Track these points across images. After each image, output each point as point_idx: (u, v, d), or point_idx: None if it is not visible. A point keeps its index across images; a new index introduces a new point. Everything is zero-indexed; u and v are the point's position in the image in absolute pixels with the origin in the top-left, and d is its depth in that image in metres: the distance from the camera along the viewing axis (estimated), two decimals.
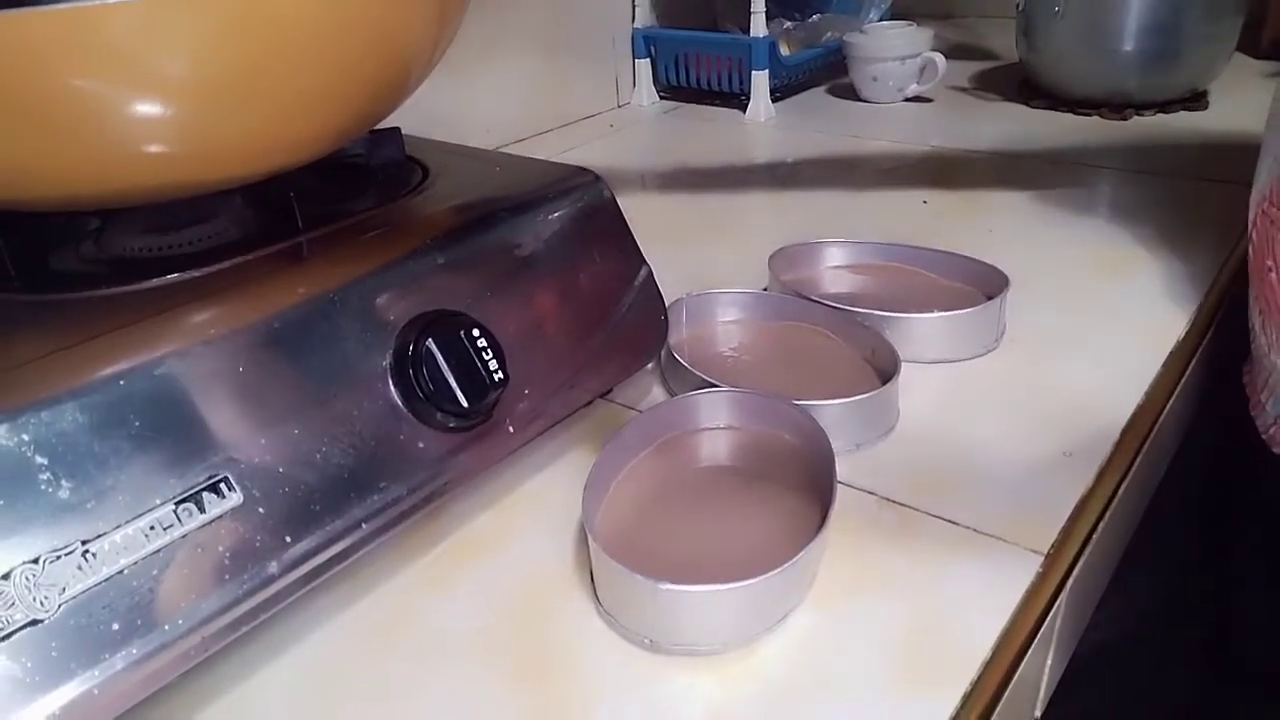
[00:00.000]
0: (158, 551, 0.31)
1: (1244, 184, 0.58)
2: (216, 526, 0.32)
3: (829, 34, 1.15)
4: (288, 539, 0.34)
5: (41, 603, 0.28)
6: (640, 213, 0.53)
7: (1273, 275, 0.51)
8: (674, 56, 1.08)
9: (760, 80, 1.02)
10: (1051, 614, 0.40)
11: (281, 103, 0.37)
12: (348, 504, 0.36)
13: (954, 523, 0.42)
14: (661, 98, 1.13)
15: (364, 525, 0.36)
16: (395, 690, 0.36)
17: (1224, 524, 0.70)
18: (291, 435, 0.35)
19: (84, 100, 0.33)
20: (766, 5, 0.99)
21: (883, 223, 0.74)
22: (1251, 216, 0.54)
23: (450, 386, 0.38)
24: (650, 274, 0.50)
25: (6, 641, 0.28)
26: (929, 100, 1.06)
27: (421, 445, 0.39)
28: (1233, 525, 0.68)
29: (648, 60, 1.10)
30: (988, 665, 0.35)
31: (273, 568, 0.33)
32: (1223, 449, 0.65)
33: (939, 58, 1.02)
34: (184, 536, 0.31)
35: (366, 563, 0.39)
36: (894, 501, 0.43)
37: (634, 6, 1.07)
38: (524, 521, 0.44)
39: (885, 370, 0.50)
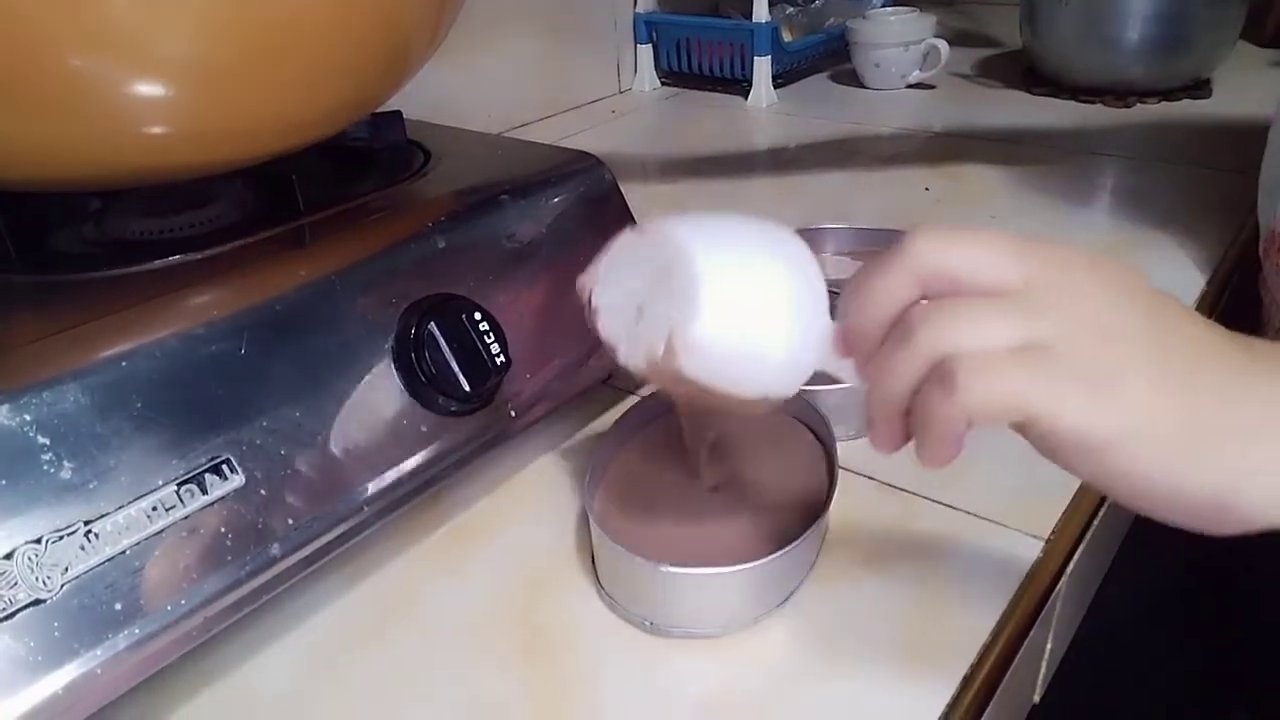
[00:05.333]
0: (160, 532, 0.31)
1: (1247, 171, 0.58)
2: (219, 508, 0.32)
3: (831, 20, 1.15)
4: (290, 521, 0.34)
5: (44, 582, 0.28)
6: (642, 198, 0.53)
7: None
8: (676, 42, 1.08)
9: (762, 66, 1.02)
10: (1051, 598, 0.40)
11: (282, 84, 0.37)
12: (349, 487, 0.36)
13: (954, 508, 0.42)
14: (663, 83, 1.12)
15: (366, 508, 0.37)
16: (397, 671, 0.36)
17: None
18: (293, 418, 0.35)
19: (84, 81, 0.33)
20: None
21: (885, 209, 0.73)
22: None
23: (452, 370, 0.38)
24: None
25: (9, 621, 0.28)
26: (932, 87, 1.05)
27: (423, 428, 0.39)
28: None
29: (649, 46, 1.09)
30: (987, 649, 0.35)
31: (275, 549, 0.34)
32: None
33: (942, 44, 1.01)
34: (186, 517, 0.31)
35: (368, 545, 0.39)
36: (895, 487, 0.43)
37: None
38: (525, 504, 0.44)
39: None
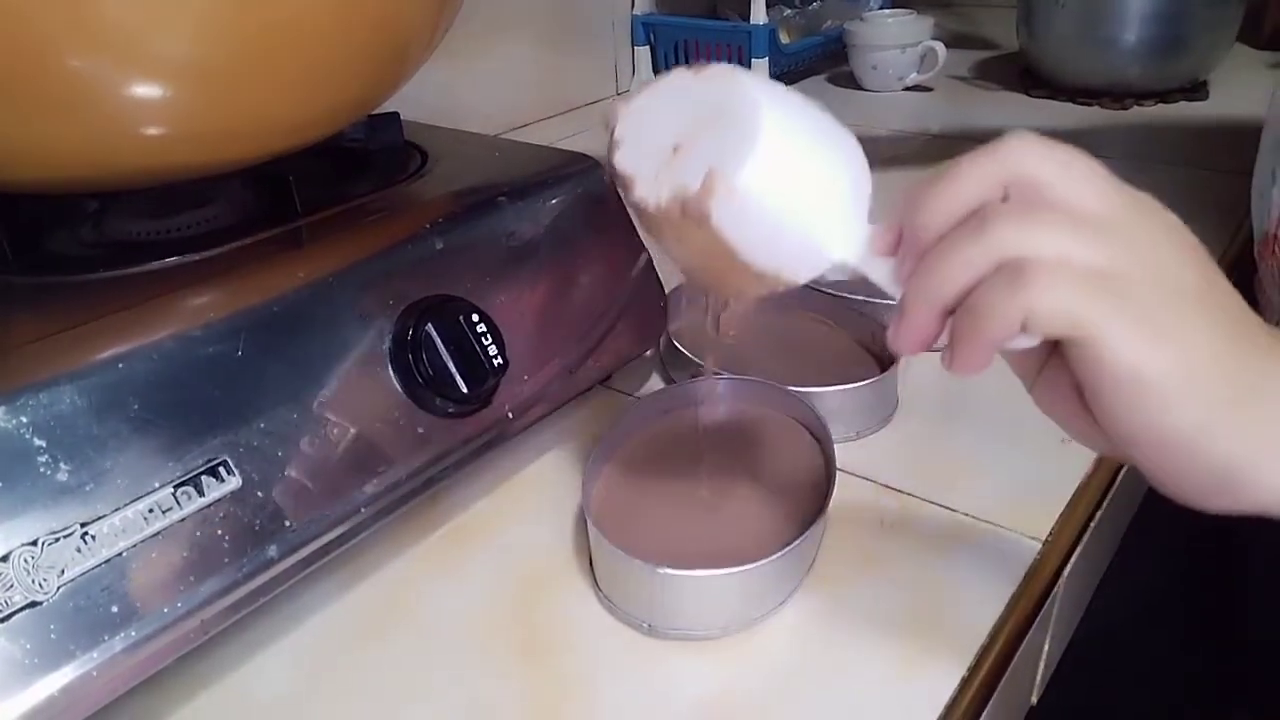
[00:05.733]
0: (157, 534, 0.31)
1: (1244, 173, 0.58)
2: (215, 510, 0.32)
3: (829, 22, 1.15)
4: (287, 523, 0.34)
5: (40, 585, 0.28)
6: None
7: None
8: (674, 43, 1.08)
9: (760, 68, 1.02)
10: (1049, 600, 0.40)
11: (280, 85, 0.37)
12: (346, 488, 0.36)
13: (952, 509, 0.42)
14: None
15: (363, 510, 0.36)
16: (395, 673, 0.36)
17: (1218, 518, 0.70)
18: (290, 419, 0.35)
19: (82, 81, 0.32)
20: None
21: (882, 210, 0.73)
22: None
23: (450, 371, 0.38)
24: (650, 261, 0.50)
25: (5, 623, 0.28)
26: (929, 89, 1.05)
27: (421, 430, 0.39)
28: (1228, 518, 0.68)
29: (647, 47, 1.09)
30: (985, 650, 0.35)
31: (272, 551, 0.33)
32: None
33: (939, 46, 1.01)
34: (183, 520, 0.31)
35: (366, 547, 0.39)
36: (892, 488, 0.43)
37: None
38: (523, 506, 0.44)
39: (884, 358, 0.50)
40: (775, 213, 0.27)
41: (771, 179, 0.27)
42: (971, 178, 0.26)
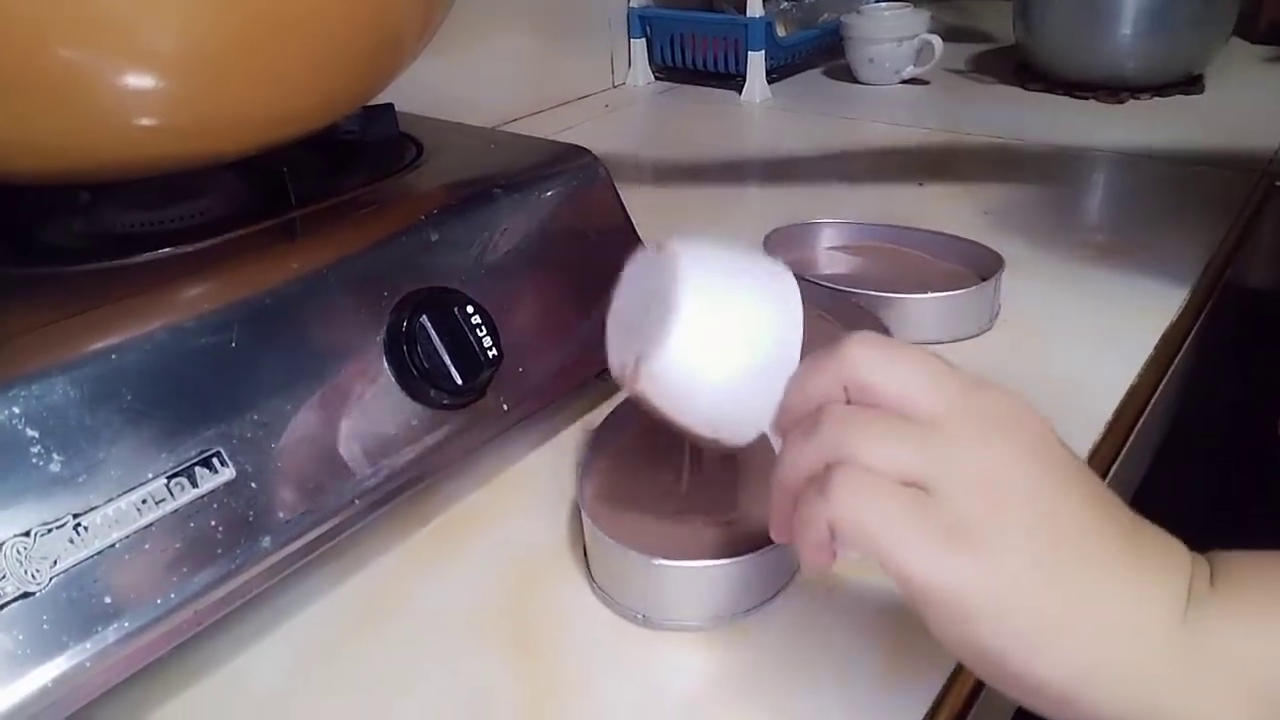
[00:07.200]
0: (150, 525, 0.31)
1: (1238, 169, 0.58)
2: (209, 501, 0.32)
3: (825, 15, 1.15)
4: (280, 514, 0.34)
5: (33, 575, 0.28)
6: (635, 193, 0.53)
7: None
8: (670, 37, 1.08)
9: (756, 61, 1.02)
10: None
11: (272, 76, 0.37)
12: (340, 480, 0.36)
13: None
14: (657, 78, 1.12)
15: (357, 502, 0.36)
16: (389, 665, 0.36)
17: (1216, 507, 0.70)
18: (284, 411, 0.35)
19: (74, 72, 0.32)
20: None
21: (878, 204, 0.74)
22: None
23: (444, 363, 0.38)
24: None
25: None
26: (925, 82, 1.05)
27: (415, 422, 0.39)
28: (1226, 508, 0.68)
29: (643, 40, 1.09)
30: None
31: (265, 543, 0.33)
32: (1218, 433, 0.65)
33: (936, 40, 1.01)
34: (176, 511, 0.31)
35: (359, 539, 0.39)
36: None
37: None
38: (518, 498, 0.44)
39: None
40: (691, 395, 0.31)
41: (682, 368, 0.30)
42: (817, 377, 0.28)
